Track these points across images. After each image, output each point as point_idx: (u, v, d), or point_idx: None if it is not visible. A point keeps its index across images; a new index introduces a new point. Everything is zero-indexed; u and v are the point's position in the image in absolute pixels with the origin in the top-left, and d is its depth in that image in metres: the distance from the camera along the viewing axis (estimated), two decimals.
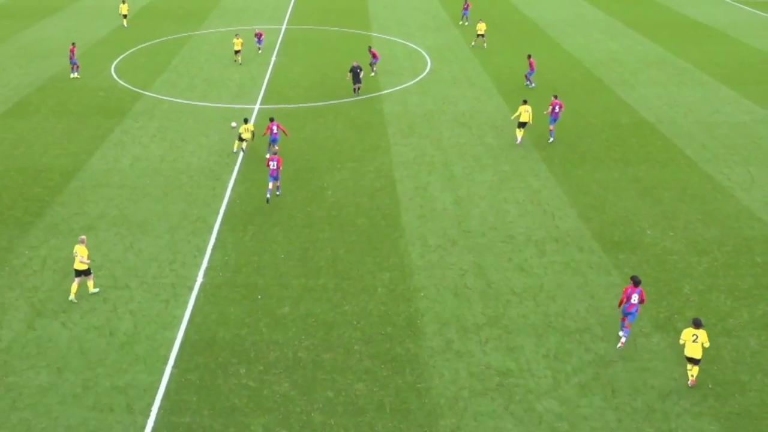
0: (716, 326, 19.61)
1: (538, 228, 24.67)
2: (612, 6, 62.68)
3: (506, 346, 18.79)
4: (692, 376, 17.37)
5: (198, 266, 22.19)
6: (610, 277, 21.86)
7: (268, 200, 25.75)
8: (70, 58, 40.27)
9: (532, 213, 25.69)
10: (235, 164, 29.33)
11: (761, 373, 17.88)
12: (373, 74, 40.90)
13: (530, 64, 39.36)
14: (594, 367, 18.04)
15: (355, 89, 37.65)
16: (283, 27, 53.53)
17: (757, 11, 61.71)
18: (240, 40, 43.18)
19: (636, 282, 18.57)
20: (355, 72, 37.27)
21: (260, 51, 45.93)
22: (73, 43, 41.25)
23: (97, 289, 20.77)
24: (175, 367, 17.92)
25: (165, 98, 37.21)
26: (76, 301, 20.32)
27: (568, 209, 26.01)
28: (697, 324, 17.25)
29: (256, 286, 21.21)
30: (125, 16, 52.59)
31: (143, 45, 47.55)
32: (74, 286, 20.34)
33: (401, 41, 49.43)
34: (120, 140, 31.85)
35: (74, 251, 20.28)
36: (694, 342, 17.11)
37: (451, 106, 36.40)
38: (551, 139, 31.88)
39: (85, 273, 20.38)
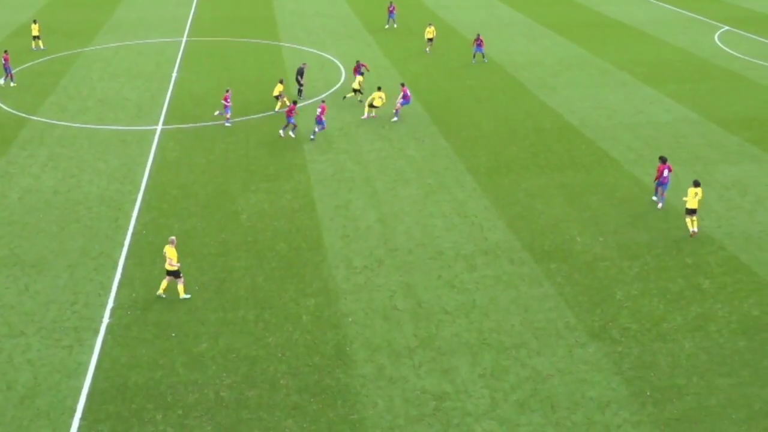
0: (650, 331, 20.66)
1: (467, 242, 25.38)
2: (528, 7, 64.98)
3: (441, 368, 19.26)
4: (693, 225, 25.24)
5: (103, 306, 21.80)
6: (543, 288, 22.70)
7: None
8: (5, 66, 41.51)
9: (459, 226, 26.40)
10: (138, 192, 28.96)
11: (697, 376, 18.94)
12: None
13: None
14: (531, 383, 18.70)
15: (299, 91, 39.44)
16: (184, 40, 53.14)
17: (674, 8, 65.18)
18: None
19: (663, 160, 27.22)
20: (300, 73, 38.76)
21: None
22: (6, 51, 42.60)
23: (188, 295, 22.03)
24: (83, 419, 17.56)
25: (55, 122, 36.36)
26: (164, 296, 21.96)
27: (496, 220, 26.85)
28: (696, 183, 25.34)
29: (169, 324, 21.01)
30: (37, 38, 49.56)
31: (26, 65, 46.29)
32: (164, 283, 21.88)
33: (312, 51, 49.88)
34: (6, 171, 30.94)
35: (164, 251, 21.75)
36: (696, 197, 24.85)
37: (370, 119, 36.96)
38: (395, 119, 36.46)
39: (175, 274, 21.77)
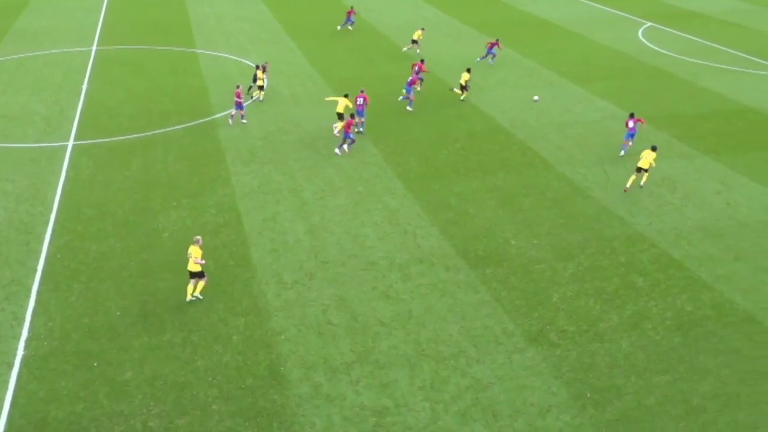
0: (588, 333, 21.26)
1: (400, 250, 25.62)
2: (454, 8, 66.01)
3: (379, 382, 19.39)
4: (630, 181, 29.66)
5: (17, 337, 21.15)
6: (479, 295, 23.10)
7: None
8: None
9: (392, 235, 26.63)
10: (50, 213, 28.21)
11: (635, 375, 19.59)
12: (419, 89, 41.65)
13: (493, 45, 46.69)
14: (472, 392, 19.01)
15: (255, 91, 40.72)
16: (93, 48, 52.02)
17: (598, 5, 67.23)
18: None
19: (631, 115, 32.82)
20: (260, 69, 39.98)
21: None
22: None
23: (201, 296, 22.85)
24: None
25: None
26: (194, 298, 22.74)
27: (429, 227, 27.19)
28: (653, 148, 30.02)
29: (90, 353, 20.54)
30: None
31: None
32: (190, 287, 22.66)
33: (232, 57, 49.51)
34: None
35: (188, 252, 22.38)
36: (647, 158, 29.44)
37: (295, 126, 36.95)
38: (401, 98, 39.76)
39: (199, 275, 22.48)
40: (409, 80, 39.38)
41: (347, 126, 33.11)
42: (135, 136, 35.72)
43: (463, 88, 40.17)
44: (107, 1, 67.97)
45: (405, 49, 50.82)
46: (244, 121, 37.41)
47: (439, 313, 22.25)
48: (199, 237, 22.75)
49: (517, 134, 35.82)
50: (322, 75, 45.47)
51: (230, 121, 37.19)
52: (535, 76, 45.07)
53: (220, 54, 50.36)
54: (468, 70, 40.59)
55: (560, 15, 62.10)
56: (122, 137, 35.61)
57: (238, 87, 37.22)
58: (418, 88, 41.30)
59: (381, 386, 19.23)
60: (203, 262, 22.42)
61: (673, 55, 49.70)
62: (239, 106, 36.83)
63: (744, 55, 49.84)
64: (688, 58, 48.83)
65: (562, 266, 24.67)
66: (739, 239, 26.29)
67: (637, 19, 61.07)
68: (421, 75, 41.27)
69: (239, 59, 48.99)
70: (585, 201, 29.14)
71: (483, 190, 30.13)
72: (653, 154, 29.80)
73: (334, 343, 20.92)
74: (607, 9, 65.14)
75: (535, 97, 39.18)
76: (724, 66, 47.29)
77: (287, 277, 24.09)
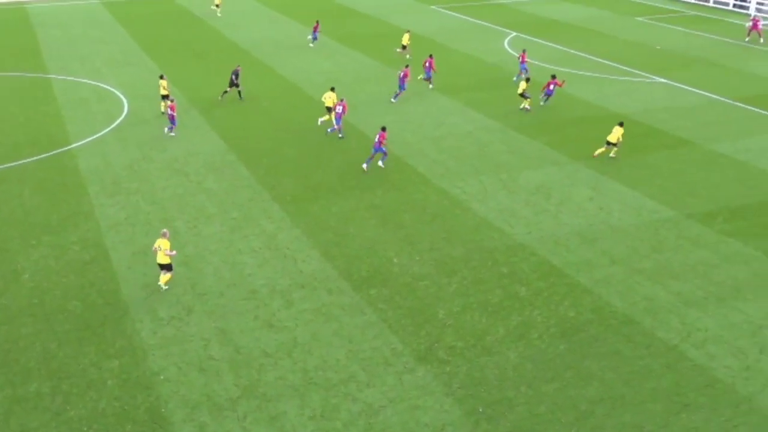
0: (476, 347, 21.81)
1: (281, 276, 25.47)
2: (320, 22, 66.48)
3: (267, 416, 19.17)
4: (598, 151, 35.22)
5: None
6: (365, 316, 23.27)
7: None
8: None
9: (271, 261, 26.44)
10: None
11: (525, 386, 20.26)
12: (431, 87, 46.28)
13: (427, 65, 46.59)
14: (364, 418, 19.10)
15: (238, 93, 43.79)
16: None
17: (463, 16, 69.37)
18: None
19: (553, 76, 40.94)
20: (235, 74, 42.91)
21: None
22: None
23: (167, 286, 24.52)
24: None
25: None
26: (166, 287, 24.51)
27: (309, 250, 27.17)
28: (621, 124, 34.90)
29: None
30: None
31: None
32: (162, 277, 24.43)
33: (88, 81, 47.86)
34: None
35: (156, 246, 23.97)
36: (615, 134, 34.61)
37: (160, 152, 36.10)
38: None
39: (168, 268, 24.20)
40: (401, 74, 43.24)
41: (381, 140, 33.48)
42: None
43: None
44: None
45: (398, 50, 54.49)
46: (173, 134, 38.16)
47: (325, 338, 22.25)
48: (166, 230, 24.39)
49: (394, 150, 36.40)
50: (186, 96, 44.67)
51: (167, 131, 38.21)
52: (407, 90, 45.83)
53: (75, 79, 48.56)
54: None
55: (426, 27, 63.63)
56: None
57: (172, 101, 38.02)
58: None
59: (270, 420, 19.02)
60: (174, 253, 24.12)
61: (538, 63, 51.92)
62: (172, 120, 37.69)
63: (605, 62, 52.69)
64: (553, 66, 51.13)
65: (446, 281, 25.22)
66: (613, 243, 27.71)
67: (501, 29, 63.45)
68: (430, 73, 46.01)
69: (96, 83, 47.41)
70: (464, 214, 29.94)
71: (362, 208, 30.42)
72: (621, 130, 34.49)
73: (218, 378, 20.53)
74: (472, 20, 67.34)
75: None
76: (588, 73, 49.84)
77: (163, 312, 23.46)
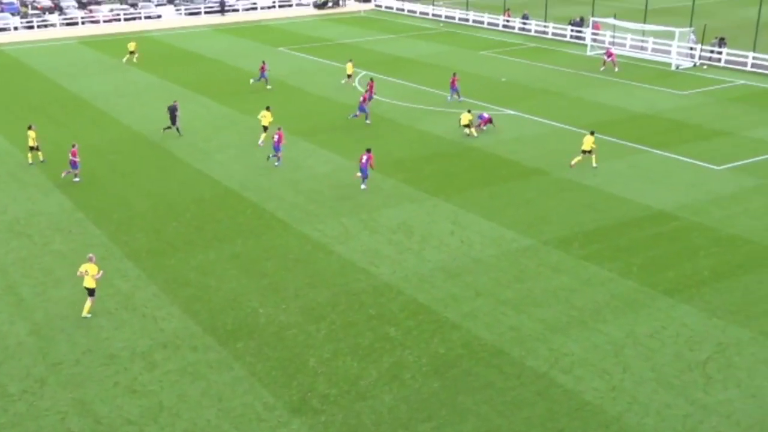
0: (350, 393, 21.85)
1: (141, 337, 24.65)
2: (163, 69, 65.46)
3: None
4: (575, 160, 38.77)
5: None
6: (233, 372, 22.85)
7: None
8: None
9: (129, 322, 25.55)
10: None
11: (401, 428, 20.43)
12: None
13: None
14: None
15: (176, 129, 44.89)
16: None
17: (312, 57, 70.11)
18: None
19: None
20: (171, 112, 44.41)
21: None
22: None
23: (89, 315, 25.33)
24: None
25: None
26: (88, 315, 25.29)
27: (169, 307, 26.46)
28: (592, 132, 39.15)
29: None
30: None
31: None
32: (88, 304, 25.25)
33: None
34: None
35: (82, 270, 24.95)
36: (587, 143, 38.75)
37: None
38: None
39: (91, 293, 25.21)
40: (361, 99, 47.06)
41: (368, 161, 36.19)
42: None
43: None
44: None
45: (343, 82, 58.13)
46: (77, 179, 38.09)
47: (193, 399, 21.66)
48: (92, 255, 25.76)
49: (250, 197, 36.17)
50: (22, 150, 42.60)
51: (64, 174, 38.23)
52: (257, 133, 45.66)
53: None
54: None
55: (277, 70, 63.77)
56: None
57: (73, 146, 38.21)
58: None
59: None
60: (101, 275, 25.29)
61: (389, 101, 53.19)
62: (74, 165, 37.69)
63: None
64: (404, 103, 52.54)
65: (315, 328, 25.18)
66: (477, 275, 28.60)
67: (341, 66, 64.58)
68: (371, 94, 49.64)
69: None
70: (328, 257, 30.07)
71: (222, 259, 29.97)
72: (592, 137, 38.81)
73: None
74: (320, 60, 68.27)
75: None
76: (438, 108, 51.49)
77: (13, 387, 22.12)
